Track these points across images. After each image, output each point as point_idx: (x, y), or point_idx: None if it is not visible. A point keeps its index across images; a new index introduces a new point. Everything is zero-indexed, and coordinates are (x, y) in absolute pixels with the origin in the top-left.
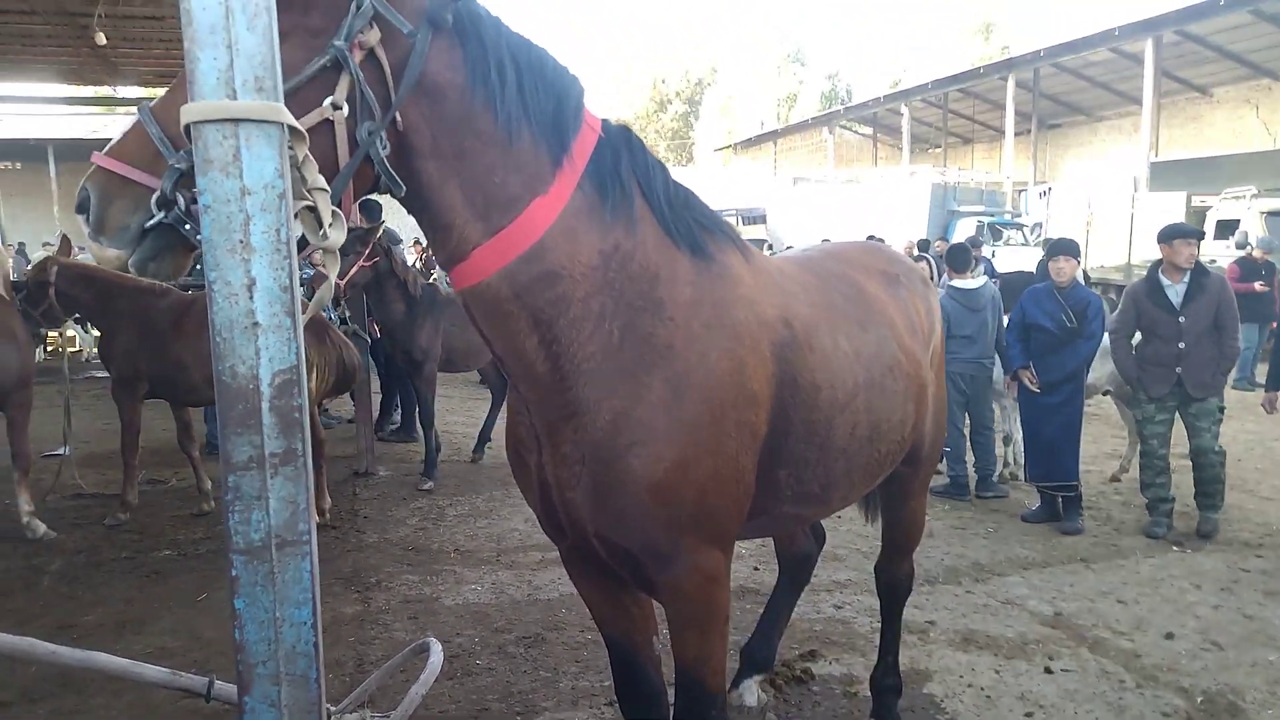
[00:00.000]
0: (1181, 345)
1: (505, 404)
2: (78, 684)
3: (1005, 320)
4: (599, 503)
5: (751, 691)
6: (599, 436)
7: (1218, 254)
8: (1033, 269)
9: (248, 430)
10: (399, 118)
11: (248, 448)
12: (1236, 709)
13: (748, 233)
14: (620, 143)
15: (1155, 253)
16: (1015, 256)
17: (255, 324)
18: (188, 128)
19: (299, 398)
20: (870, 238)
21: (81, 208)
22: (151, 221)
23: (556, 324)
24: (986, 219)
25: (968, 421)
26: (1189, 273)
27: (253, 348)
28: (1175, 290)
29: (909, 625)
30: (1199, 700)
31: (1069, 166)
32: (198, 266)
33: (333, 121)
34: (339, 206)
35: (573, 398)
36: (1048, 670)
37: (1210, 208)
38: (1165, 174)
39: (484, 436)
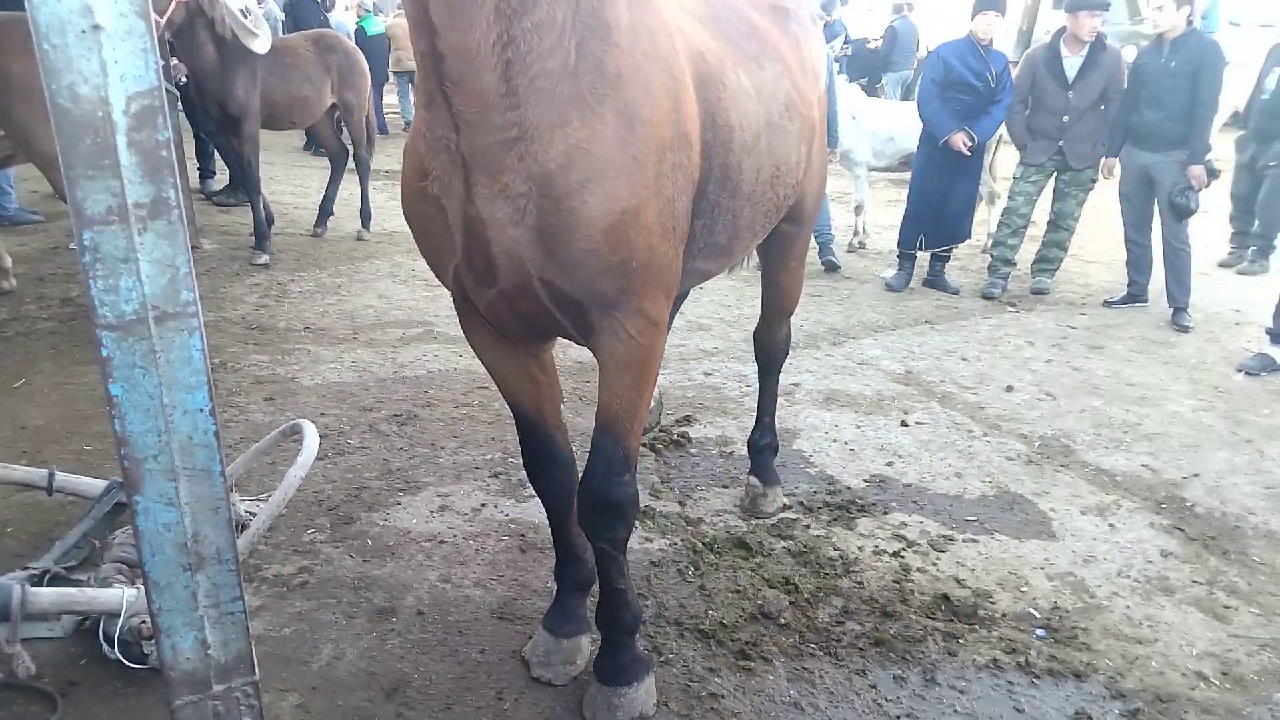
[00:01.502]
0: (1066, 119)
1: (352, 165)
2: None
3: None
4: (546, 244)
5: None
6: (550, 168)
7: None
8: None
9: (100, 173)
10: None
11: (104, 195)
12: (1069, 450)
13: None
14: None
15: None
16: (864, 22)
17: (95, 26)
18: None
19: (164, 130)
20: None
21: None
22: None
23: (520, 22)
24: None
25: None
26: (1088, 46)
27: (96, 60)
28: (1071, 63)
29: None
30: (1037, 444)
31: None
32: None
33: None
34: None
35: (520, 118)
36: (903, 424)
37: None
38: None
39: (326, 209)
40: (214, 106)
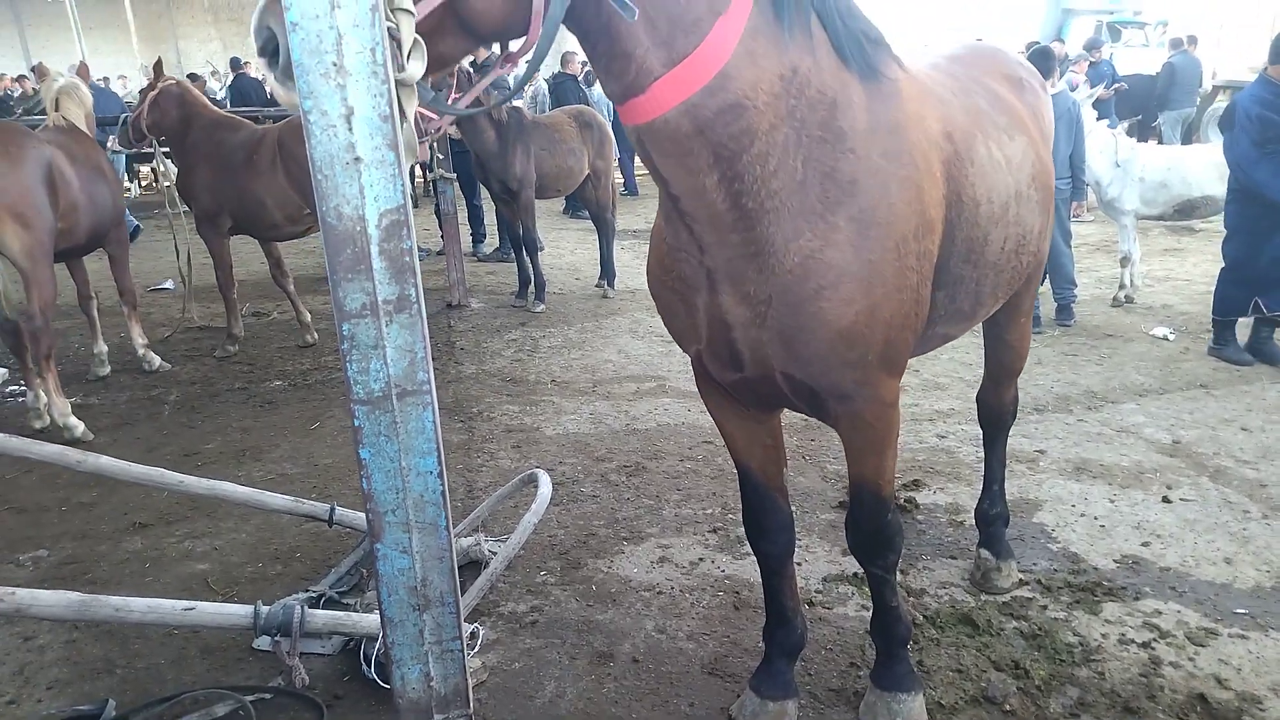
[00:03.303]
0: None
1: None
2: (208, 508)
3: (1090, 133)
4: (787, 343)
5: None
6: (787, 279)
7: None
8: (1154, 71)
9: (358, 276)
10: None
11: (360, 294)
12: None
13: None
14: None
15: None
16: (1136, 58)
17: (357, 159)
18: None
19: (408, 240)
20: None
21: (265, 49)
22: None
23: (740, 160)
24: (1105, 17)
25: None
26: None
27: (356, 185)
28: None
29: (1017, 455)
30: None
31: None
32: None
33: None
34: (542, 48)
35: (756, 236)
36: (1165, 500)
37: None
38: None
39: (609, 268)
40: (496, 182)
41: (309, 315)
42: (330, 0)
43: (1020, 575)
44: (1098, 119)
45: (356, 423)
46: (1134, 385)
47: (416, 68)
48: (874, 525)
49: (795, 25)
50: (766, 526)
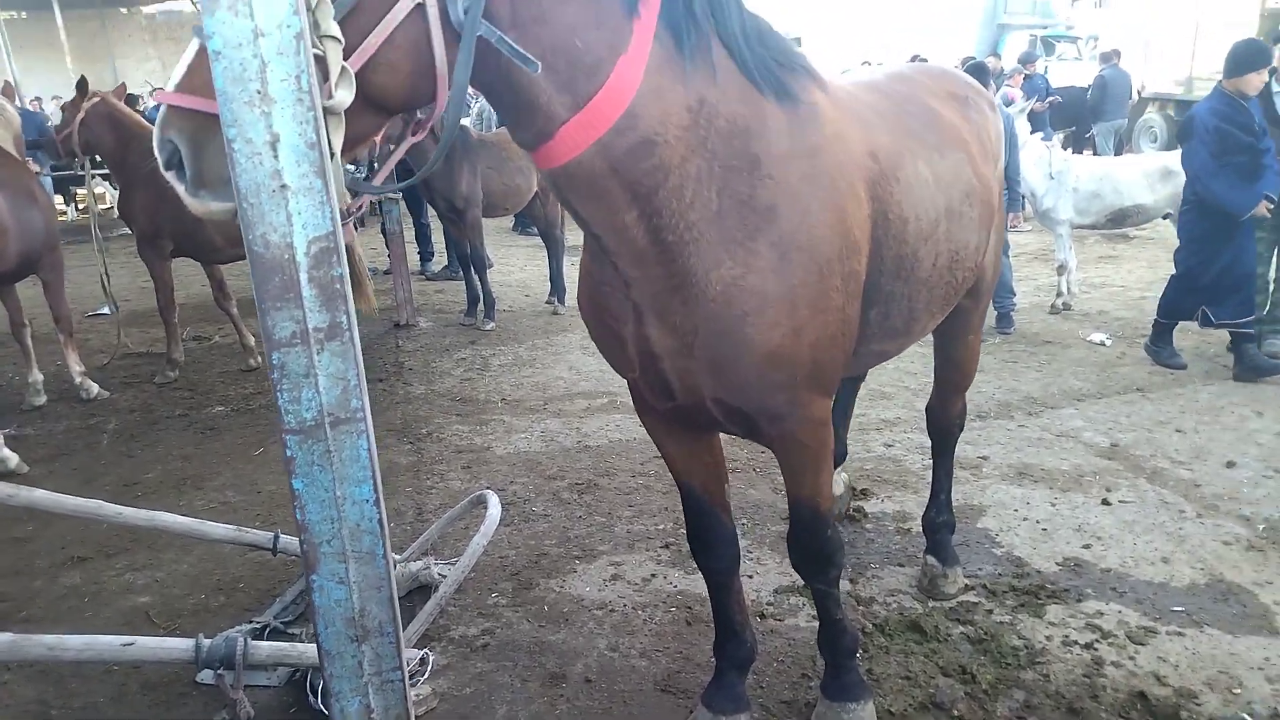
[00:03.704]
0: None
1: (579, 262)
2: (148, 539)
3: (1024, 145)
4: (716, 371)
5: (838, 482)
6: (711, 308)
7: None
8: (1086, 84)
9: (287, 304)
10: None
11: (289, 323)
12: None
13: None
14: None
15: (1218, 67)
16: (1069, 72)
17: (283, 186)
18: None
19: (338, 267)
20: (914, 58)
21: (171, 163)
22: None
23: (656, 195)
24: (1039, 32)
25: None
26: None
27: (283, 213)
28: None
29: (961, 461)
30: (1261, 528)
31: None
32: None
33: (423, 4)
34: (452, 116)
35: (679, 268)
36: (1105, 502)
37: None
38: None
39: (558, 285)
40: (442, 201)
41: (253, 339)
42: (253, 28)
43: (966, 580)
44: (1032, 131)
45: (289, 453)
46: (1072, 390)
47: (344, 96)
48: (815, 542)
49: (697, 56)
50: (710, 543)
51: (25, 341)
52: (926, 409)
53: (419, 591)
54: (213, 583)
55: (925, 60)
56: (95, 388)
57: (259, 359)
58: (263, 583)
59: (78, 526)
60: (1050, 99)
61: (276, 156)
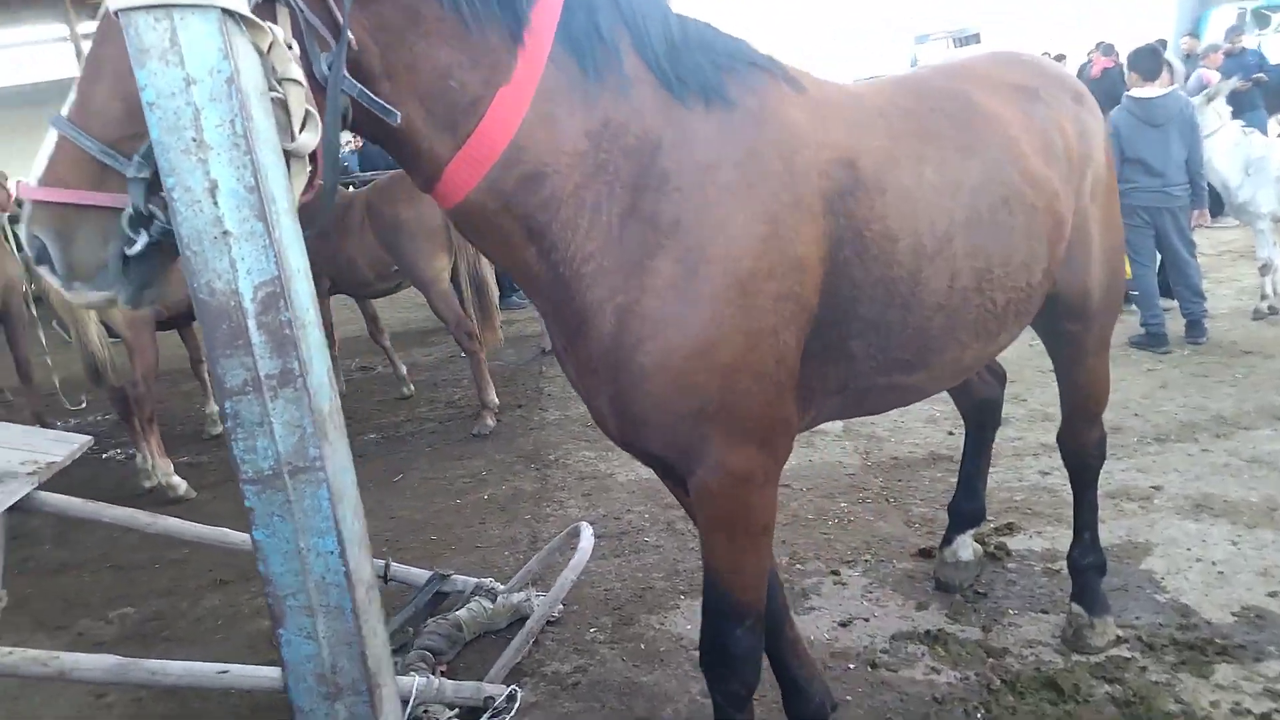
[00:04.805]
0: None
1: None
2: None
3: (1216, 132)
4: (619, 410)
5: (966, 546)
6: (607, 342)
7: None
8: None
9: (237, 351)
10: (351, 40)
11: (240, 370)
12: None
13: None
14: None
15: None
16: None
17: (225, 233)
18: (118, 13)
19: (286, 311)
20: (1099, 45)
21: (41, 258)
22: (135, 248)
23: (551, 229)
24: (1250, 4)
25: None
26: None
27: (226, 259)
28: None
29: (1130, 491)
30: None
31: None
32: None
33: None
34: (329, 180)
35: (581, 304)
36: None
37: None
38: None
39: None
40: None
41: (405, 369)
42: (184, 76)
43: (1119, 631)
44: (1234, 115)
45: (248, 503)
46: (1272, 408)
47: (309, 139)
48: (719, 637)
49: (605, 74)
50: None
51: (203, 376)
52: (1058, 438)
53: (520, 623)
54: None
55: (1111, 47)
56: None
57: (411, 387)
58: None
59: (226, 550)
60: (1256, 76)
61: (216, 203)
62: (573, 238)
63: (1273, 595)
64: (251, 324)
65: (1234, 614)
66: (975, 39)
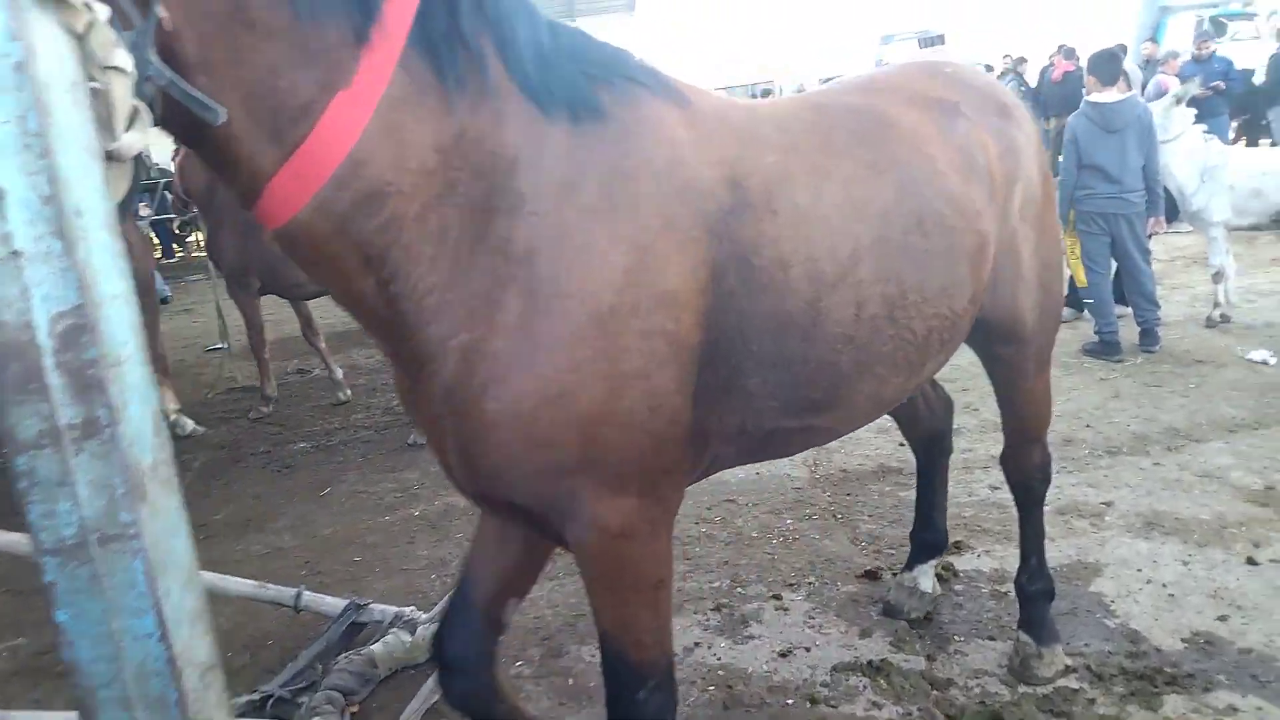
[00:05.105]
0: None
1: None
2: None
3: (1175, 139)
4: (466, 459)
5: (927, 576)
6: (450, 384)
7: None
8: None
9: (30, 397)
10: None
11: (35, 420)
12: None
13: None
14: None
15: None
16: (1247, 53)
17: (15, 253)
18: None
19: (92, 348)
20: (1060, 49)
21: None
22: None
23: (390, 256)
24: (1207, 11)
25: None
26: None
27: (17, 285)
28: None
29: (1080, 508)
30: None
31: None
32: None
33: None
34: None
35: (422, 341)
36: (1251, 561)
37: None
38: None
39: None
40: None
41: (340, 372)
42: None
43: (1067, 661)
44: (1197, 120)
45: (48, 578)
46: (1223, 420)
47: (135, 139)
48: (619, 704)
49: (464, 82)
50: (447, 655)
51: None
52: (1000, 460)
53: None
54: (243, 638)
55: (1072, 50)
56: (190, 424)
57: (347, 392)
58: (291, 640)
59: None
60: (1213, 85)
61: (5, 217)
62: (415, 267)
63: (1222, 619)
64: (49, 363)
65: (1184, 640)
66: (940, 40)
